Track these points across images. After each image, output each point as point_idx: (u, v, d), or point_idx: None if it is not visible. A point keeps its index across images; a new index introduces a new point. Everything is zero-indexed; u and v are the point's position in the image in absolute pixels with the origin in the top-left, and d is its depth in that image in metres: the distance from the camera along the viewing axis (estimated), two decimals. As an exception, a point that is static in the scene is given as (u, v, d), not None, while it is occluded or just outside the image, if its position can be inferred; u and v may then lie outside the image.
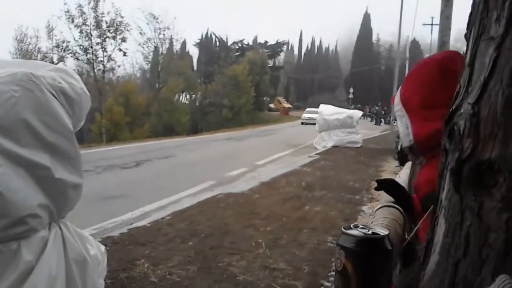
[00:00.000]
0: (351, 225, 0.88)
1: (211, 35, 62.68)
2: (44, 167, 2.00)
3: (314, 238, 4.40)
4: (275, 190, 7.02)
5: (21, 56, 30.89)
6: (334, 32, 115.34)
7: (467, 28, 1.02)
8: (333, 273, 3.53)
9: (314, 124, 31.30)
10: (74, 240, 2.21)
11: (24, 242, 1.94)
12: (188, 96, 44.75)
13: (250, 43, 63.50)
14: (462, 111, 0.96)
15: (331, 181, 7.97)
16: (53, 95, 2.06)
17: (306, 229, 4.71)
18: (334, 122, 15.61)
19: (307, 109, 39.73)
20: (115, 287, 2.81)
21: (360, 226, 0.88)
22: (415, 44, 60.37)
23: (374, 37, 75.47)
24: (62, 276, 2.03)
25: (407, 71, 15.44)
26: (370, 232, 0.85)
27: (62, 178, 2.09)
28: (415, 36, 56.52)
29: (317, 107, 17.52)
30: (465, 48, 1.03)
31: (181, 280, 3.26)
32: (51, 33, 29.57)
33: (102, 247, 2.49)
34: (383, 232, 0.86)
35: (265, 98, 54.35)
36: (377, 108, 44.31)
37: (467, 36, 1.01)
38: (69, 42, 27.21)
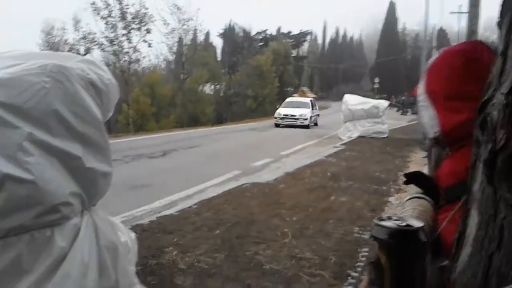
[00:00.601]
0: (385, 217, 0.88)
1: (234, 25, 62.59)
2: (76, 157, 2.05)
3: (340, 228, 4.39)
4: (300, 180, 7.01)
5: (48, 48, 31.55)
6: (359, 21, 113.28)
7: (500, 16, 0.99)
8: (360, 263, 3.52)
9: (296, 126, 20.76)
10: (106, 228, 2.26)
11: (58, 229, 1.99)
12: (212, 87, 44.89)
13: (274, 33, 63.17)
14: (494, 101, 0.94)
15: (357, 172, 7.91)
16: (82, 86, 2.10)
17: (332, 220, 4.70)
18: (359, 112, 15.45)
19: (288, 99, 26.15)
20: (145, 274, 2.88)
21: (394, 218, 0.87)
22: (442, 33, 58.84)
23: (400, 26, 74.06)
24: (94, 262, 2.09)
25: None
26: (404, 224, 0.84)
27: (92, 167, 2.15)
28: (442, 25, 55.01)
29: (342, 97, 17.34)
30: (494, 36, 1.00)
31: (209, 268, 3.31)
32: (77, 25, 30.15)
33: (133, 234, 2.55)
34: (417, 224, 0.85)
35: (289, 89, 54.04)
36: (403, 98, 43.56)
37: (499, 24, 0.98)
38: (95, 33, 27.68)
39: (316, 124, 23.41)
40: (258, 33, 61.29)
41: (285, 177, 7.29)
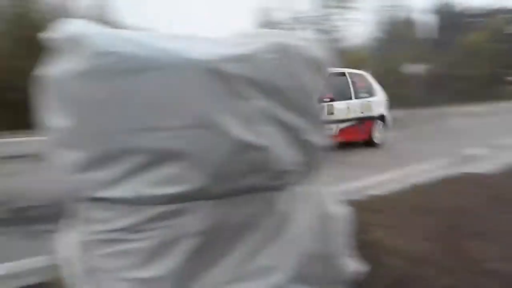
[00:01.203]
0: None
1: (445, 1, 57.24)
2: (299, 129, 2.18)
3: None
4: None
5: (262, 27, 34.28)
6: None
7: None
8: None
9: None
10: (323, 198, 2.36)
11: (282, 194, 2.15)
12: (419, 67, 42.41)
13: (489, 9, 55.64)
14: None
15: None
16: (303, 63, 2.20)
17: None
18: None
19: None
20: (352, 248, 2.88)
21: None
22: None
23: None
24: (312, 230, 2.19)
25: None
26: None
27: (311, 139, 2.25)
28: None
29: None
30: None
31: (417, 256, 3.15)
32: (287, 5, 31.94)
33: (346, 207, 2.60)
34: None
35: (505, 71, 47.18)
36: None
37: None
38: (303, 13, 28.90)
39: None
40: (473, 8, 54.92)
41: (509, 170, 6.38)
